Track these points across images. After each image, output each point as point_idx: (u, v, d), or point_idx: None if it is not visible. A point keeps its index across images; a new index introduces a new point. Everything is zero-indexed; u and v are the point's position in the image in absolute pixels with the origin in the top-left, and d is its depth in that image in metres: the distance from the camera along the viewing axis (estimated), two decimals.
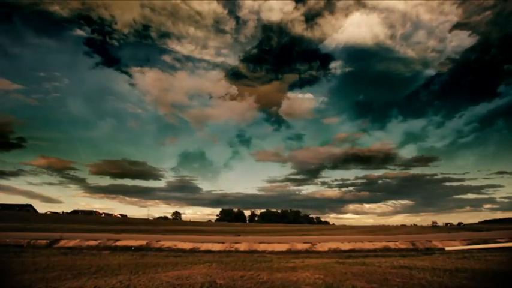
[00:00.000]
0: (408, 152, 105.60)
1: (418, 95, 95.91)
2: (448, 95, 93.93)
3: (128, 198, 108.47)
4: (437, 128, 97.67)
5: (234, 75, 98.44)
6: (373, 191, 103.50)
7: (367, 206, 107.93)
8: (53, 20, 76.25)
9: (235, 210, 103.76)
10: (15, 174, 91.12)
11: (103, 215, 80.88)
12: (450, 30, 75.66)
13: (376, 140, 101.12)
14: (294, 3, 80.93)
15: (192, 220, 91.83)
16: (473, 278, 5.15)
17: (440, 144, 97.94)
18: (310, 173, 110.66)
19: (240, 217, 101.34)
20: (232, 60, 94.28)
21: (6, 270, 6.54)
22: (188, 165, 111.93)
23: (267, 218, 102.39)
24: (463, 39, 76.29)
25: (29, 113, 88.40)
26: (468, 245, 11.81)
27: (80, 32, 79.51)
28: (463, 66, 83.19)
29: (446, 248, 11.29)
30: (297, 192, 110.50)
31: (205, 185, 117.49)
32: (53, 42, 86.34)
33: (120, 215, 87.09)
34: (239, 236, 20.11)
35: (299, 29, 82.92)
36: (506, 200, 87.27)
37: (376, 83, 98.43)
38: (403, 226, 76.37)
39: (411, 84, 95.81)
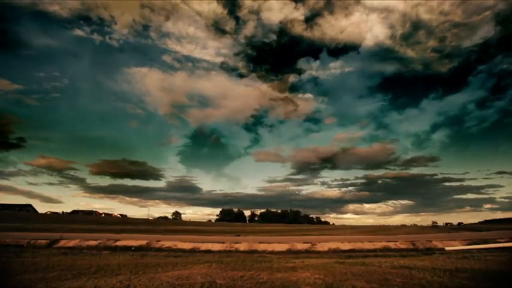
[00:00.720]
0: (407, 152, 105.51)
1: (418, 94, 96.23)
2: (448, 95, 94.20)
3: (127, 198, 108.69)
4: (438, 127, 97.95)
5: (233, 75, 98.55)
6: (373, 191, 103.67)
7: (367, 206, 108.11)
8: (53, 20, 76.42)
9: (235, 210, 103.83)
10: (15, 174, 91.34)
11: (103, 215, 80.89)
12: (450, 30, 75.78)
13: (376, 140, 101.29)
14: (293, 3, 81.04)
15: (192, 220, 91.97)
16: (473, 278, 5.15)
17: (440, 144, 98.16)
18: (310, 173, 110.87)
19: (240, 217, 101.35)
20: (232, 60, 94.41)
21: (6, 270, 6.54)
22: (188, 165, 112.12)
23: (267, 218, 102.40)
24: (463, 39, 76.42)
25: (29, 113, 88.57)
26: (468, 245, 11.81)
27: (79, 32, 79.66)
28: (462, 66, 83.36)
29: (446, 248, 11.29)
30: (297, 192, 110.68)
31: (205, 185, 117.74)
32: (53, 43, 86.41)
33: (120, 215, 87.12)
34: (239, 236, 20.11)
35: (299, 29, 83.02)
36: (506, 200, 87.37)
37: (375, 83, 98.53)
38: (403, 226, 76.37)
39: (411, 83, 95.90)
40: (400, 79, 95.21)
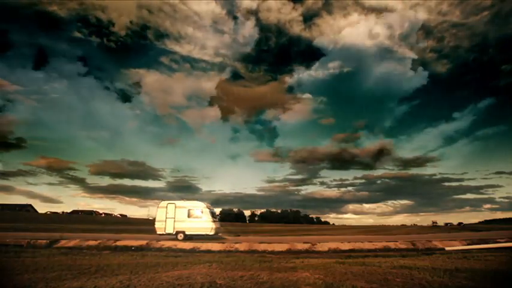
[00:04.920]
0: (407, 152, 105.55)
1: (419, 93, 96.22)
2: (446, 95, 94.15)
3: (127, 198, 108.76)
4: (435, 127, 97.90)
5: (232, 76, 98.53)
6: (373, 191, 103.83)
7: (366, 206, 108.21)
8: (52, 20, 76.40)
9: (235, 210, 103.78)
10: (15, 174, 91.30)
11: (103, 215, 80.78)
12: (448, 31, 75.81)
13: (375, 140, 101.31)
14: (292, 4, 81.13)
15: None
16: (473, 278, 5.14)
17: (439, 144, 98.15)
18: (309, 173, 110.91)
19: (240, 217, 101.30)
20: (231, 61, 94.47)
21: (7, 270, 6.54)
22: (187, 165, 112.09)
23: (267, 218, 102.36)
24: (461, 40, 76.43)
25: (29, 113, 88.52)
26: (468, 245, 11.81)
27: (77, 34, 79.71)
28: (461, 66, 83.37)
29: (446, 248, 11.28)
30: (296, 193, 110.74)
31: (205, 185, 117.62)
32: (52, 43, 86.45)
33: (120, 215, 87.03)
34: (239, 236, 20.11)
35: (297, 29, 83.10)
36: (506, 200, 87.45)
37: (375, 83, 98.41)
38: (403, 226, 76.35)
39: (410, 83, 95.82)
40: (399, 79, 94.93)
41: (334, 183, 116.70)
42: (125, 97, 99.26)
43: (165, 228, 15.25)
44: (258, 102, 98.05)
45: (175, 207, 15.63)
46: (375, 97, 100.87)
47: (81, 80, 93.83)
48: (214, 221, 15.76)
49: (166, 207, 15.65)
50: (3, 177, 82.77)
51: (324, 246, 12.16)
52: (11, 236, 15.14)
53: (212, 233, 15.32)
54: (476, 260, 7.51)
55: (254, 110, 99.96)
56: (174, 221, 15.31)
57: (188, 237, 14.97)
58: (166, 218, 15.41)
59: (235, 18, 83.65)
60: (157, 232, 15.34)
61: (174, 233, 15.16)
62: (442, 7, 77.03)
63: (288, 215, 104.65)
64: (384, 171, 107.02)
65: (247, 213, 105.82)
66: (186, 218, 15.43)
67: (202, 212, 15.59)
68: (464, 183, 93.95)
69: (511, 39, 74.51)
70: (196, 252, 11.24)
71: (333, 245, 12.34)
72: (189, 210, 15.61)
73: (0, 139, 79.22)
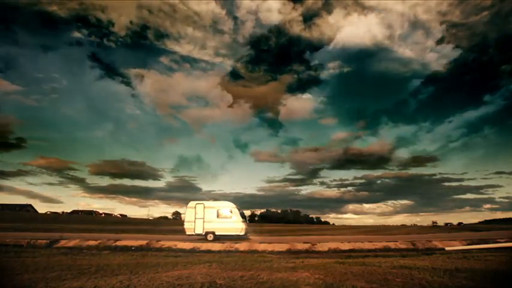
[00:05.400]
0: (406, 152, 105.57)
1: (420, 93, 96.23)
2: (446, 96, 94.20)
3: (127, 198, 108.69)
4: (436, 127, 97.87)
5: (232, 76, 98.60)
6: (372, 191, 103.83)
7: (366, 206, 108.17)
8: (52, 20, 76.44)
9: None
10: (15, 174, 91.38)
11: (103, 215, 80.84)
12: (448, 31, 75.90)
13: (375, 140, 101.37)
14: (292, 4, 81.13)
15: None
16: (473, 278, 5.14)
17: (439, 144, 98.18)
18: (309, 173, 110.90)
19: None
20: (231, 61, 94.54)
21: (7, 270, 6.54)
22: (187, 165, 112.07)
23: (267, 218, 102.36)
24: (461, 40, 76.52)
25: (29, 113, 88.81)
26: (468, 245, 11.80)
27: (77, 34, 79.79)
28: (461, 66, 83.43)
29: (446, 248, 11.28)
30: (296, 193, 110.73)
31: (205, 185, 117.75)
32: (52, 44, 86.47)
33: (120, 215, 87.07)
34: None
35: (297, 29, 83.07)
36: (506, 200, 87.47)
37: (374, 83, 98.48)
38: (403, 226, 76.36)
39: (410, 83, 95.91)
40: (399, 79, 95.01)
41: (334, 183, 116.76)
42: (125, 97, 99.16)
43: (194, 228, 15.11)
44: (258, 103, 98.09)
45: (204, 207, 15.45)
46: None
47: (81, 80, 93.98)
48: (243, 222, 15.61)
49: (195, 207, 15.46)
50: (3, 177, 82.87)
51: (324, 246, 12.16)
52: (11, 236, 15.14)
53: (242, 233, 15.13)
54: (476, 260, 7.51)
55: (254, 110, 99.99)
56: (203, 221, 15.16)
57: (217, 238, 14.77)
58: (195, 218, 15.27)
59: (235, 18, 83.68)
60: (187, 233, 15.20)
61: (203, 233, 14.99)
62: (442, 7, 77.12)
63: (288, 215, 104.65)
64: (384, 171, 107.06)
65: (247, 213, 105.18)
66: (216, 219, 15.23)
67: (231, 212, 15.38)
68: (464, 183, 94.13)
69: (511, 39, 74.54)
70: (196, 252, 11.24)
71: (333, 245, 12.33)
72: (218, 210, 15.41)
73: (0, 139, 79.27)
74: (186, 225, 15.34)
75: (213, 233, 14.94)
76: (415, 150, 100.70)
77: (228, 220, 15.25)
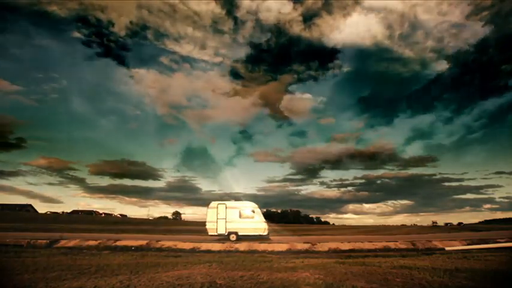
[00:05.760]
0: (406, 152, 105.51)
1: (419, 93, 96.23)
2: (445, 94, 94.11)
3: (127, 198, 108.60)
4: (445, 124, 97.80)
5: (232, 76, 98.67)
6: (372, 191, 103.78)
7: (366, 206, 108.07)
8: (52, 20, 76.47)
9: None
10: (15, 174, 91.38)
11: (103, 215, 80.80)
12: (448, 30, 75.94)
13: (374, 140, 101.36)
14: (292, 4, 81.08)
15: (192, 220, 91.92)
16: (473, 278, 5.14)
17: (439, 144, 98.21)
18: (309, 173, 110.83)
19: None
20: (231, 61, 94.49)
21: (7, 270, 6.54)
22: (187, 165, 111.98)
23: (267, 218, 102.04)
24: (461, 40, 76.59)
25: (29, 113, 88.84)
26: (468, 245, 11.81)
27: (77, 34, 79.84)
28: (461, 66, 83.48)
29: (446, 248, 11.28)
30: (296, 192, 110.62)
31: (205, 185, 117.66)
32: (51, 44, 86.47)
33: (120, 215, 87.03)
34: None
35: (297, 29, 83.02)
36: (506, 200, 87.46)
37: (374, 83, 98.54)
38: (403, 226, 76.31)
39: (410, 84, 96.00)
40: (399, 79, 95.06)
41: (334, 183, 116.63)
42: (125, 97, 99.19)
43: (216, 229, 14.94)
44: (257, 103, 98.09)
45: (226, 207, 15.33)
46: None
47: (81, 79, 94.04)
48: (266, 222, 15.50)
49: (217, 207, 15.30)
50: (3, 177, 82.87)
51: (324, 246, 12.16)
52: (11, 236, 15.14)
53: (265, 233, 15.02)
54: (476, 260, 7.51)
55: (253, 110, 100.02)
56: (226, 221, 15.03)
57: (239, 238, 14.70)
58: (217, 218, 15.09)
59: (235, 18, 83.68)
60: (209, 233, 15.01)
61: (226, 233, 14.86)
62: (442, 7, 77.14)
63: (288, 215, 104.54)
64: (383, 171, 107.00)
65: None
66: (238, 219, 15.12)
67: (253, 212, 15.33)
68: (464, 183, 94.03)
69: (511, 39, 74.49)
70: (196, 252, 11.24)
71: (333, 245, 12.34)
72: (240, 210, 15.34)
73: (0, 139, 79.32)
74: (208, 226, 15.12)
75: (235, 233, 14.84)
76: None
77: (250, 220, 15.17)
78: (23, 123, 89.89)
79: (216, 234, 14.95)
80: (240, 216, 15.24)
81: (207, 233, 15.12)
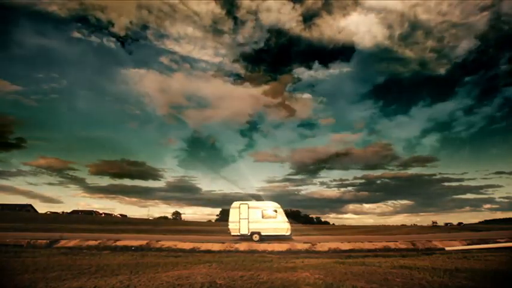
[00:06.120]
0: (406, 152, 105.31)
1: (418, 94, 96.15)
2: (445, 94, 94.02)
3: (127, 198, 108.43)
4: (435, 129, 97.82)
5: (231, 76, 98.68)
6: (372, 191, 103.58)
7: (366, 206, 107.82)
8: (52, 20, 76.47)
9: None
10: (15, 174, 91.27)
11: (103, 215, 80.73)
12: (448, 31, 75.96)
13: (374, 140, 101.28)
14: (291, 4, 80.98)
15: (192, 220, 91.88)
16: (473, 278, 5.14)
17: (438, 144, 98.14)
18: (308, 173, 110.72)
19: None
20: (230, 61, 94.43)
21: (7, 270, 6.54)
22: (187, 165, 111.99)
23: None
24: (461, 40, 76.63)
25: (28, 113, 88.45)
26: (468, 245, 11.81)
27: (77, 34, 79.82)
28: (461, 66, 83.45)
29: (446, 248, 11.29)
30: (296, 192, 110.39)
31: (205, 185, 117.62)
32: (51, 44, 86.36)
33: (120, 215, 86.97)
34: None
35: (297, 29, 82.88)
36: (506, 200, 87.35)
37: (374, 83, 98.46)
38: (403, 226, 76.28)
39: (409, 84, 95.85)
40: (399, 79, 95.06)
41: (334, 183, 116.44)
42: (125, 97, 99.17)
43: (239, 229, 14.87)
44: (257, 102, 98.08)
45: (248, 207, 15.26)
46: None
47: (81, 79, 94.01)
48: (288, 222, 15.41)
49: (239, 207, 15.27)
50: (3, 177, 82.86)
51: (324, 246, 12.17)
52: (11, 236, 15.13)
53: (288, 233, 14.94)
54: (476, 260, 7.51)
55: (253, 110, 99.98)
56: (248, 221, 14.96)
57: (262, 238, 14.63)
58: (239, 218, 15.05)
59: (235, 18, 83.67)
60: (232, 233, 14.92)
61: (249, 234, 14.78)
62: (442, 7, 77.03)
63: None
64: (383, 171, 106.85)
65: None
66: (261, 219, 15.03)
67: (276, 211, 15.25)
68: (464, 183, 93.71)
69: (511, 39, 74.35)
70: (196, 252, 11.24)
71: (333, 245, 12.34)
72: (262, 210, 15.25)
73: (0, 139, 79.31)
74: (231, 226, 15.04)
75: (258, 233, 14.76)
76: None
77: (273, 220, 15.08)
78: (23, 123, 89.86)
79: (238, 234, 14.87)
80: (263, 216, 15.15)
81: (229, 233, 15.02)
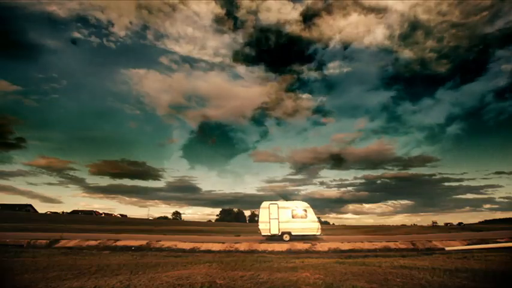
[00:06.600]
0: (405, 152, 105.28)
1: (416, 95, 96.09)
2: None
3: (127, 198, 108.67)
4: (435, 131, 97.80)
5: (232, 76, 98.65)
6: (372, 191, 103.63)
7: (366, 206, 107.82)
8: (52, 20, 76.50)
9: (235, 210, 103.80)
10: (15, 174, 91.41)
11: (103, 215, 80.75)
12: (447, 31, 75.94)
13: (374, 140, 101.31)
14: (291, 4, 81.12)
15: (192, 220, 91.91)
16: (473, 278, 5.14)
17: (438, 144, 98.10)
18: (308, 173, 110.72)
19: (240, 217, 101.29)
20: (230, 61, 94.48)
21: (7, 270, 6.54)
22: (187, 165, 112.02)
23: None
24: (461, 40, 76.58)
25: (28, 113, 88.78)
26: (468, 245, 11.81)
27: (77, 34, 79.86)
28: (461, 66, 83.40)
29: (446, 248, 11.29)
30: (296, 192, 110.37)
31: (205, 185, 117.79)
32: (51, 44, 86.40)
33: (120, 215, 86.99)
34: (239, 236, 20.10)
35: (297, 29, 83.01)
36: (506, 200, 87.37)
37: (374, 83, 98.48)
38: (403, 226, 76.22)
39: (409, 84, 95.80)
40: (399, 80, 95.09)
41: (334, 183, 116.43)
42: (125, 97, 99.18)
43: (269, 229, 14.86)
44: (257, 102, 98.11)
45: (278, 207, 15.24)
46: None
47: (81, 79, 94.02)
48: (319, 221, 15.41)
49: (269, 207, 15.20)
50: (3, 177, 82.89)
51: (324, 246, 12.17)
52: (11, 236, 15.14)
53: (319, 233, 14.96)
54: (476, 260, 7.51)
55: (253, 110, 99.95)
56: (279, 221, 14.95)
57: (293, 238, 14.64)
58: (269, 219, 15.00)
59: (235, 18, 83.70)
60: (262, 233, 14.91)
61: (279, 234, 14.79)
62: (442, 7, 77.11)
63: None
64: (383, 171, 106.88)
65: (247, 213, 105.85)
66: (291, 219, 15.03)
67: (306, 211, 15.23)
68: (464, 183, 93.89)
69: (511, 39, 74.30)
70: (196, 252, 11.24)
71: (333, 245, 12.34)
72: (292, 210, 15.23)
73: (0, 139, 79.35)
74: (261, 226, 15.00)
75: (289, 233, 14.78)
76: (417, 148, 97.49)
77: (303, 220, 15.07)
78: (23, 123, 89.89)
79: (269, 234, 14.86)
80: (293, 216, 15.13)
81: (260, 233, 15.01)
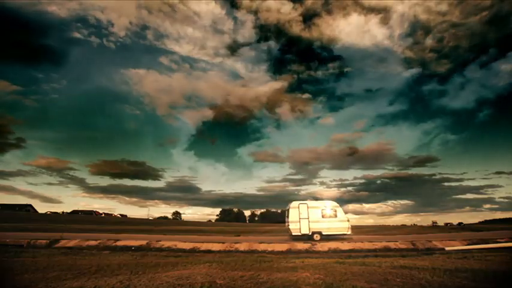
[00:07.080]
0: (406, 152, 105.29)
1: (415, 96, 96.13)
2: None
3: (127, 198, 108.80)
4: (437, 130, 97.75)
5: (232, 76, 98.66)
6: (372, 191, 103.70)
7: (366, 206, 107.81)
8: (52, 20, 76.51)
9: (235, 210, 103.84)
10: (15, 174, 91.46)
11: (103, 215, 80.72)
12: (447, 31, 75.94)
13: (374, 140, 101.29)
14: (291, 4, 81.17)
15: (192, 220, 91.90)
16: (473, 278, 5.14)
17: (438, 144, 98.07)
18: (308, 173, 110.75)
19: (240, 217, 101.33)
20: (230, 61, 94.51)
21: (7, 270, 6.54)
22: (187, 165, 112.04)
23: (267, 218, 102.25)
24: (461, 40, 76.57)
25: (28, 113, 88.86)
26: (468, 245, 11.81)
27: (77, 34, 79.87)
28: (461, 66, 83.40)
29: (446, 248, 11.29)
30: (296, 192, 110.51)
31: (205, 185, 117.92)
32: (51, 44, 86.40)
33: (120, 215, 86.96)
34: (239, 236, 20.10)
35: (297, 29, 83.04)
36: (506, 200, 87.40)
37: (373, 84, 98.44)
38: (403, 226, 76.18)
39: (408, 84, 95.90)
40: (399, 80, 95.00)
41: (334, 183, 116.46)
42: (125, 97, 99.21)
43: (300, 229, 14.76)
44: (257, 102, 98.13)
45: (308, 207, 15.14)
46: None
47: (81, 80, 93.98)
48: (348, 220, 15.35)
49: (298, 207, 15.15)
50: (3, 177, 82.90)
51: (324, 246, 12.17)
52: (11, 236, 15.13)
53: (349, 232, 14.96)
54: (476, 260, 7.50)
55: (253, 110, 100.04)
56: (309, 221, 14.86)
57: (324, 238, 14.60)
58: (299, 218, 14.92)
59: (235, 18, 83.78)
60: (293, 233, 14.79)
61: (310, 233, 14.69)
62: (442, 7, 77.21)
63: None
64: (383, 171, 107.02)
65: (247, 213, 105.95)
66: (321, 218, 14.96)
67: (335, 211, 15.18)
68: (464, 183, 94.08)
69: (511, 39, 74.25)
70: (196, 252, 11.24)
71: (333, 245, 12.34)
72: (322, 209, 15.15)
73: (0, 139, 79.39)
74: (291, 226, 14.87)
75: (319, 233, 14.71)
76: (417, 148, 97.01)
77: (334, 219, 15.01)
78: (23, 123, 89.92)
79: (299, 234, 14.76)
80: (323, 215, 15.07)
81: (290, 233, 14.92)
